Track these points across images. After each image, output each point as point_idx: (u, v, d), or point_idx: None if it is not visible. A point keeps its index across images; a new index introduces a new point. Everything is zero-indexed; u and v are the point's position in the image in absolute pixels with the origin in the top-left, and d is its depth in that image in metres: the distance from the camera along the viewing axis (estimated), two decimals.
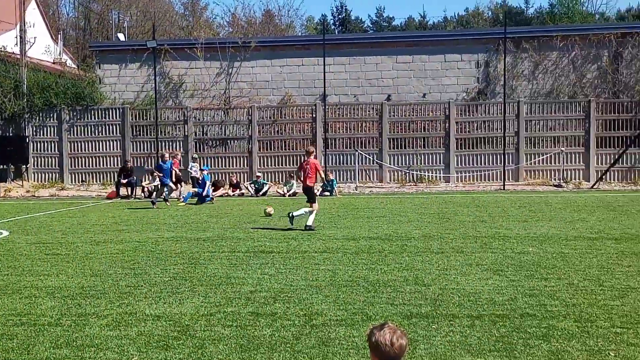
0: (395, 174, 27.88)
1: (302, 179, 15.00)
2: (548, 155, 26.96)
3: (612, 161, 26.30)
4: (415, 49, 29.26)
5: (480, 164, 27.47)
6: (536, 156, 27.01)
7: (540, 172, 27.11)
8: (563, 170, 26.62)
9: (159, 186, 21.70)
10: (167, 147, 28.06)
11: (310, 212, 14.43)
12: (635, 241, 12.07)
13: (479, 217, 16.29)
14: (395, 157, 27.94)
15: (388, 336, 3.39)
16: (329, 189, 24.06)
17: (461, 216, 16.38)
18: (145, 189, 25.08)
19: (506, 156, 26.46)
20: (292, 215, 14.45)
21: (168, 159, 21.76)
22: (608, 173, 26.22)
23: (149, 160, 28.41)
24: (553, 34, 28.85)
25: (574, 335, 6.46)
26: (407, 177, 27.67)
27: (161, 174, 21.22)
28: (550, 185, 25.99)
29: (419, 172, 27.56)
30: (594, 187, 25.19)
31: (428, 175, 27.40)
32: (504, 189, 24.60)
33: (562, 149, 26.66)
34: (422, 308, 7.55)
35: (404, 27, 63.03)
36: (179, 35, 46.69)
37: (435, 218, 16.13)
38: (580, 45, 28.49)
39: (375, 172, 27.99)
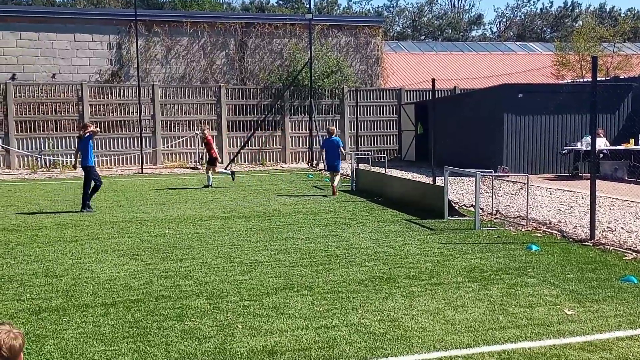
0: (26, 159, 25.93)
1: None
2: (184, 138, 27.65)
3: (242, 144, 28.03)
4: (43, 26, 27.48)
5: (118, 147, 27.01)
6: (173, 139, 27.51)
7: (178, 155, 27.69)
8: (199, 152, 27.57)
9: None
10: None
11: None
12: (262, 218, 13.05)
13: (116, 201, 16.01)
14: (25, 141, 25.97)
15: None
16: None
17: (97, 202, 15.92)
18: None
19: (143, 139, 26.44)
20: None
21: None
22: (239, 155, 27.90)
23: None
24: (183, 19, 29.59)
25: (206, 312, 6.72)
26: (39, 163, 25.94)
27: None
28: (187, 168, 26.73)
29: (51, 157, 26.04)
30: (227, 168, 26.62)
31: (62, 160, 26.05)
32: (142, 173, 24.57)
33: (197, 132, 27.59)
34: (53, 301, 7.14)
35: (30, 2, 58.78)
36: None
37: (69, 205, 15.41)
38: (209, 33, 29.73)
39: (1, 157, 25.68)
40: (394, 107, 30.29)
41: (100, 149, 26.69)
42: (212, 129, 28.09)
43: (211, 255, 9.51)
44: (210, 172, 19.11)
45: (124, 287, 7.73)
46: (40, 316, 6.62)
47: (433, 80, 16.91)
